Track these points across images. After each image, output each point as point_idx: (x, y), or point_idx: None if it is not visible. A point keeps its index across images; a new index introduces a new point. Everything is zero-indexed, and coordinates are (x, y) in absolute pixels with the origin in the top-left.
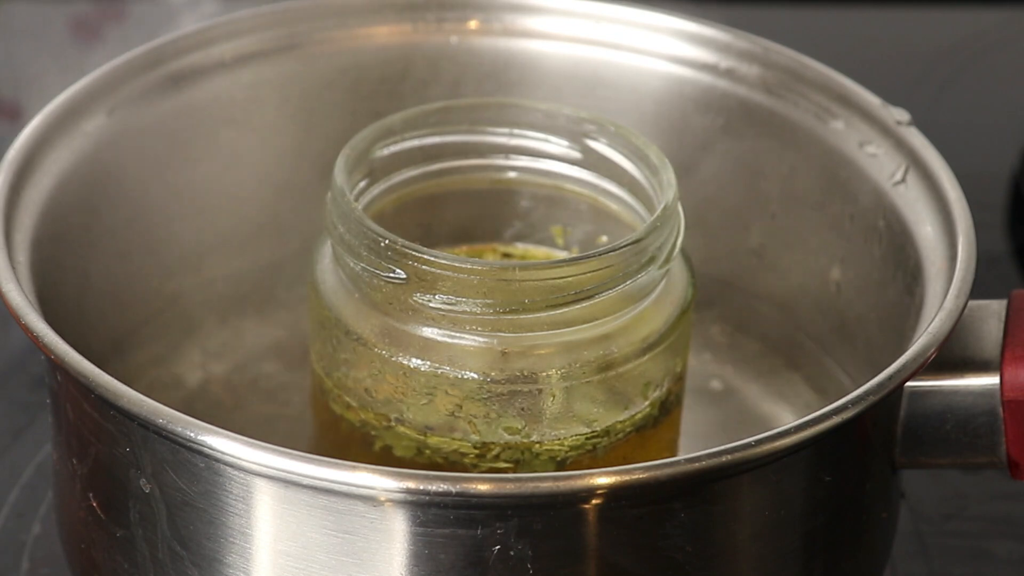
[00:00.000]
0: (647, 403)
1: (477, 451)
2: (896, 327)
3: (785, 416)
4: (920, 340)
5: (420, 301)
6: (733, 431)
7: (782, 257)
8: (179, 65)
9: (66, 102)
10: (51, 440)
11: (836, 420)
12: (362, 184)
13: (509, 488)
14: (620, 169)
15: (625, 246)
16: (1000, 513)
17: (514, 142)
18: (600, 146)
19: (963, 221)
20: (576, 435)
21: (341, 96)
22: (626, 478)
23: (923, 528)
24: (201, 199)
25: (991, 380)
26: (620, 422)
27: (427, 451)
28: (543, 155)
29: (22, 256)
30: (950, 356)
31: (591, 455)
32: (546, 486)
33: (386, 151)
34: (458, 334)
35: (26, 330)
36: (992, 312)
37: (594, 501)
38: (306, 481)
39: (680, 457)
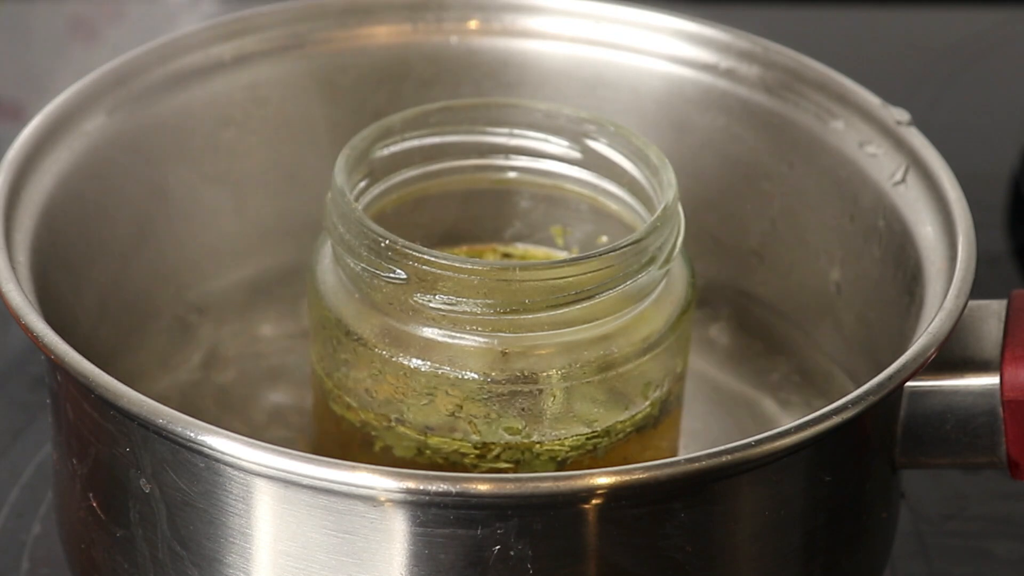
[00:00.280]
0: (647, 403)
1: (477, 451)
2: (896, 327)
3: (785, 416)
4: (920, 340)
5: (420, 301)
6: (733, 431)
7: (782, 257)
8: (179, 65)
9: (66, 102)
10: (51, 440)
11: (836, 420)
12: (362, 184)
13: (509, 488)
14: (620, 169)
15: (625, 246)
16: (1000, 513)
17: (514, 142)
18: (600, 146)
19: (963, 221)
20: (577, 435)
21: (341, 96)
22: (626, 478)
23: (923, 528)
24: (201, 199)
25: (991, 380)
26: (621, 422)
27: (427, 451)
28: (543, 155)
29: (22, 256)
30: (950, 356)
31: (591, 455)
32: (546, 486)
33: (386, 151)
34: (458, 334)
35: (26, 330)
36: (992, 312)
37: (594, 501)
38: (306, 481)
39: (680, 457)
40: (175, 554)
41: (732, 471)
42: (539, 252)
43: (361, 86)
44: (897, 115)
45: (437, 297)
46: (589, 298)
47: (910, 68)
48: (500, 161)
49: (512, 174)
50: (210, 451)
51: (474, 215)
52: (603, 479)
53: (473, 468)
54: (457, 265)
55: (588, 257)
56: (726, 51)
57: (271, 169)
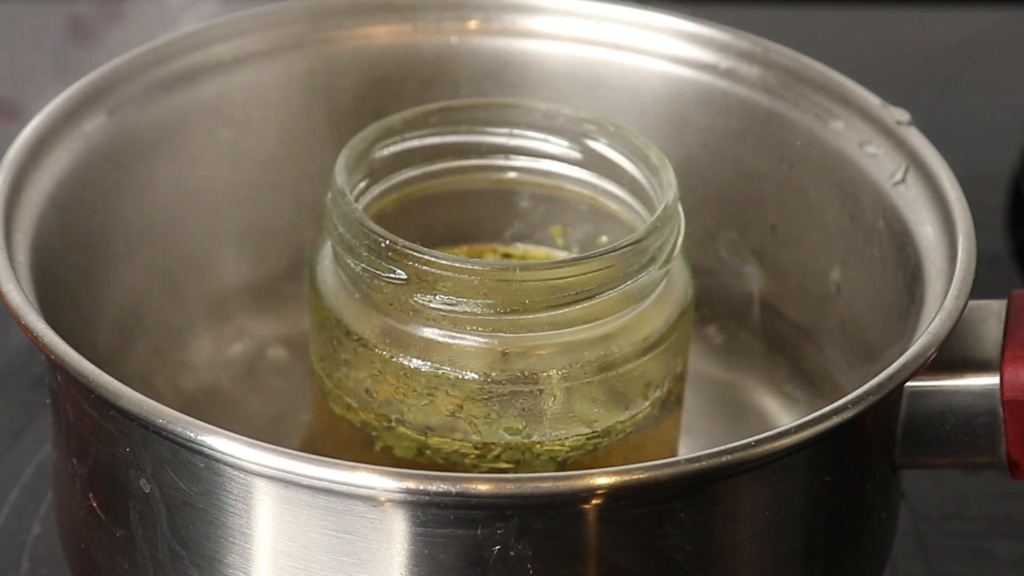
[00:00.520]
0: (648, 403)
1: (478, 451)
2: (896, 327)
3: (785, 416)
4: (920, 340)
5: (421, 302)
6: (733, 431)
7: (782, 257)
8: (179, 65)
9: (66, 102)
10: (51, 440)
11: (836, 420)
12: (362, 184)
13: (509, 488)
14: (620, 169)
15: (626, 246)
16: (1000, 513)
17: (514, 142)
18: (600, 146)
19: (963, 221)
20: (577, 435)
21: (341, 96)
22: (626, 478)
23: (923, 528)
24: (201, 199)
25: (991, 380)
26: (621, 422)
27: (428, 452)
28: (543, 155)
29: (22, 256)
30: (950, 356)
31: (592, 455)
32: (546, 486)
33: (386, 151)
34: (459, 334)
35: (26, 330)
36: (992, 312)
37: (594, 501)
38: (306, 481)
39: (680, 457)
40: (175, 554)
41: (732, 471)
42: (539, 252)
43: (361, 86)
44: (897, 115)
45: (437, 297)
46: (589, 298)
47: (910, 68)
48: (500, 161)
49: (512, 174)
50: (210, 451)
51: (474, 215)
52: (603, 479)
53: (473, 468)
54: (457, 265)
55: (588, 257)
56: (726, 51)
57: (271, 169)
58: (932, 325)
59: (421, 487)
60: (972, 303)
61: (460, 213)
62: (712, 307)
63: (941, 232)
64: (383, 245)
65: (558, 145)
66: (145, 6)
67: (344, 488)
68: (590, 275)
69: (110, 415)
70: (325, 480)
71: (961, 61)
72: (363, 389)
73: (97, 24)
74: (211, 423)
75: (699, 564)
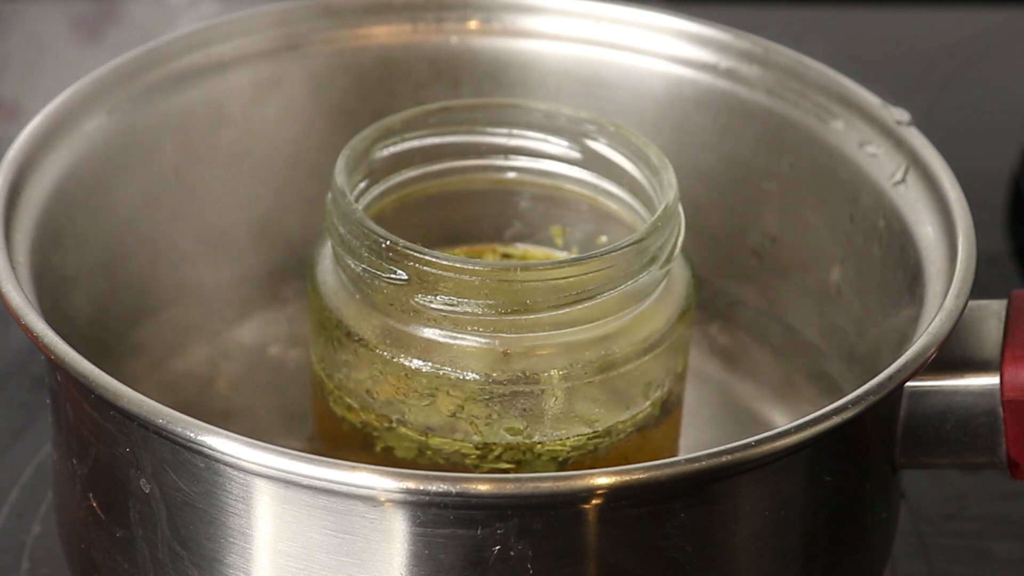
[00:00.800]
0: (648, 403)
1: (479, 452)
2: (896, 327)
3: (785, 416)
4: (920, 340)
5: (421, 302)
6: (733, 431)
7: (782, 257)
8: (179, 65)
9: (66, 102)
10: (51, 440)
11: (836, 420)
12: (362, 185)
13: (509, 488)
14: (620, 169)
15: (626, 246)
16: (1000, 513)
17: (514, 142)
18: (600, 146)
19: (963, 221)
20: (578, 435)
21: (341, 96)
22: (626, 478)
23: (923, 528)
24: (201, 199)
25: (991, 380)
26: (622, 422)
27: (428, 452)
28: (543, 155)
29: (22, 256)
30: (950, 356)
31: (592, 455)
32: (546, 486)
33: (386, 152)
34: (459, 335)
35: (26, 330)
36: (992, 312)
37: (594, 501)
38: (306, 481)
39: (680, 457)
40: (175, 554)
41: (732, 471)
42: (539, 252)
43: (361, 86)
44: (897, 115)
45: (438, 298)
46: (590, 298)
47: (910, 68)
48: (500, 161)
49: (512, 174)
50: (210, 451)
51: (474, 215)
52: (603, 479)
53: (474, 469)
54: (458, 266)
55: (589, 257)
56: (726, 51)
57: (271, 169)
58: (932, 325)
59: (421, 487)
60: (972, 303)
61: (460, 213)
62: (712, 307)
63: (941, 232)
64: (383, 245)
65: (558, 145)
66: (145, 6)
67: (344, 488)
68: (591, 275)
69: (110, 415)
70: (325, 480)
71: (961, 61)
72: (364, 390)
73: (97, 24)
74: (211, 423)
75: (699, 564)
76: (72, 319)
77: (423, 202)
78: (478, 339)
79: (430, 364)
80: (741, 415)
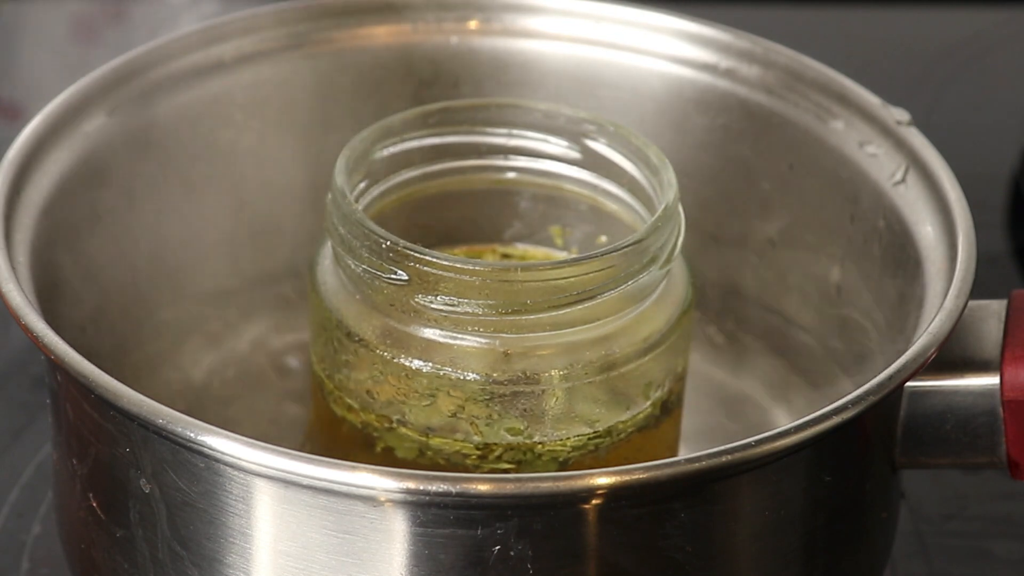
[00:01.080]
0: (648, 403)
1: (479, 452)
2: (896, 327)
3: (785, 416)
4: (920, 340)
5: (421, 302)
6: (733, 431)
7: (782, 257)
8: (180, 65)
9: (66, 102)
10: (51, 440)
11: (836, 420)
12: (362, 185)
13: (509, 488)
14: (620, 169)
15: (627, 246)
16: (1000, 513)
17: (514, 142)
18: (600, 146)
19: (963, 221)
20: (578, 436)
21: (341, 96)
22: (626, 478)
23: (923, 528)
24: (201, 199)
25: (991, 380)
26: (622, 422)
27: (429, 452)
28: (543, 155)
29: (22, 256)
30: (950, 356)
31: (593, 455)
32: (546, 486)
33: (386, 152)
34: (460, 335)
35: (26, 330)
36: (992, 312)
37: (594, 501)
38: (306, 481)
39: (680, 457)
40: (175, 554)
41: (732, 471)
42: (539, 252)
43: (361, 86)
44: (897, 115)
45: (438, 298)
46: (590, 298)
47: (910, 68)
48: (500, 161)
49: (512, 174)
50: (210, 451)
51: (474, 215)
52: (603, 479)
53: (475, 469)
54: (458, 266)
55: (589, 257)
56: (726, 51)
57: (271, 169)
58: (932, 325)
59: (421, 487)
60: (972, 303)
61: (460, 213)
62: (712, 307)
63: (941, 232)
64: (384, 246)
65: (558, 145)
66: (145, 6)
67: (344, 488)
68: (591, 275)
69: (110, 415)
70: (325, 480)
71: (961, 61)
72: (364, 390)
73: (97, 24)
74: (211, 423)
75: (699, 564)
76: (72, 319)
77: (423, 202)
78: (478, 339)
79: (430, 364)
80: (741, 415)
